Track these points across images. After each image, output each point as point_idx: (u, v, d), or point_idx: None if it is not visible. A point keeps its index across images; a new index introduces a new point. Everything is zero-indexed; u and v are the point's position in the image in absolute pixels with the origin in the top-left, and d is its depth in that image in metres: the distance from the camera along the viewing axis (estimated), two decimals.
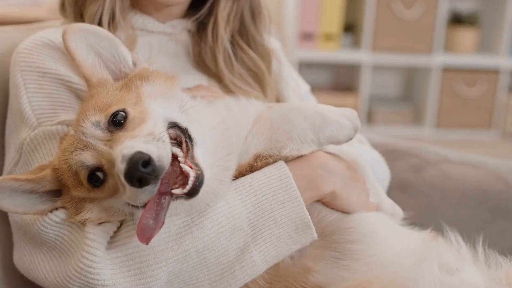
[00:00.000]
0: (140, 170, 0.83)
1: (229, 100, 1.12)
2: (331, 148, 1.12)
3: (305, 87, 1.50)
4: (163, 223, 0.89)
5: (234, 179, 1.03)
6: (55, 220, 1.00)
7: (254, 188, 1.01)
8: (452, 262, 1.04)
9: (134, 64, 1.07)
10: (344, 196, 1.06)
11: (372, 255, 1.04)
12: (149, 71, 1.05)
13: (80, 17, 1.20)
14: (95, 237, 0.96)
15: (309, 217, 1.01)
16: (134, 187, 0.84)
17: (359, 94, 4.30)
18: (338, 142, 1.08)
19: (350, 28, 4.38)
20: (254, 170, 1.04)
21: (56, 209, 1.01)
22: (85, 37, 1.03)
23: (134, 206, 0.92)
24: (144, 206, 0.90)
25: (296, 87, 1.44)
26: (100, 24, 1.17)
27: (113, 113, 0.94)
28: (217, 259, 0.98)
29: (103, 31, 1.05)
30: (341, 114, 1.07)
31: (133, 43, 1.21)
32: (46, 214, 1.01)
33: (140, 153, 0.83)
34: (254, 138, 1.06)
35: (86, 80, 1.03)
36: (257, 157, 1.05)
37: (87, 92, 1.04)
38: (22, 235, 1.07)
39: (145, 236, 0.87)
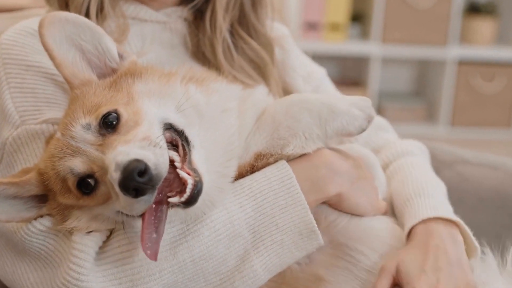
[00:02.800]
0: (136, 180, 0.82)
1: (234, 91, 1.11)
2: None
3: (320, 71, 1.48)
4: (163, 233, 0.89)
5: (233, 181, 1.02)
6: (40, 228, 1.00)
7: (254, 191, 1.01)
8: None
9: (121, 56, 1.05)
10: (352, 198, 1.07)
11: None
12: (142, 67, 1.04)
13: (65, 5, 1.19)
14: (83, 248, 0.95)
15: (314, 222, 1.01)
16: (129, 197, 0.84)
17: (368, 89, 4.30)
18: (350, 135, 1.07)
19: (358, 17, 4.38)
20: (255, 171, 1.04)
21: (41, 216, 1.01)
22: (64, 29, 0.99)
23: (127, 215, 0.92)
24: (140, 216, 0.90)
25: (308, 76, 1.44)
26: (87, 13, 1.16)
27: (104, 114, 0.93)
28: (215, 269, 0.98)
29: (83, 20, 1.02)
30: (351, 104, 1.06)
31: (124, 33, 1.20)
32: (30, 222, 1.00)
33: (136, 161, 0.83)
34: (255, 135, 1.06)
35: (68, 82, 1.01)
36: (258, 156, 1.04)
37: (70, 94, 1.02)
38: (4, 243, 1.07)
39: (152, 252, 0.88)
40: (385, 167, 1.28)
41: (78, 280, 0.93)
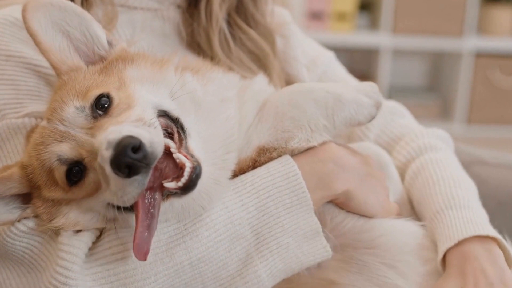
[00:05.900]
0: (130, 155, 0.83)
1: (232, 81, 1.12)
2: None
3: (326, 55, 1.50)
4: (155, 231, 0.89)
5: (233, 177, 1.03)
6: (23, 229, 1.00)
7: (257, 188, 1.01)
8: None
9: (110, 43, 1.07)
10: (360, 196, 1.07)
11: (407, 275, 1.06)
12: (133, 53, 1.05)
13: None
14: (71, 249, 0.95)
15: (320, 226, 1.01)
16: (122, 176, 0.84)
17: (377, 84, 4.27)
18: (359, 124, 1.08)
19: (367, 6, 4.38)
20: (257, 166, 1.05)
21: (25, 218, 1.00)
22: (50, 14, 1.01)
23: (118, 208, 0.92)
24: (131, 208, 0.90)
25: (311, 63, 1.45)
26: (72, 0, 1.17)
27: (98, 96, 0.94)
28: (215, 273, 0.98)
29: (70, 5, 1.03)
30: (358, 91, 1.08)
31: (112, 21, 1.21)
32: (13, 224, 1.00)
33: (130, 137, 0.84)
34: (256, 127, 1.07)
35: (55, 68, 1.03)
36: (261, 151, 1.05)
37: (57, 81, 1.03)
38: None
39: (142, 252, 0.88)
40: (407, 164, 1.27)
41: (66, 285, 0.94)
